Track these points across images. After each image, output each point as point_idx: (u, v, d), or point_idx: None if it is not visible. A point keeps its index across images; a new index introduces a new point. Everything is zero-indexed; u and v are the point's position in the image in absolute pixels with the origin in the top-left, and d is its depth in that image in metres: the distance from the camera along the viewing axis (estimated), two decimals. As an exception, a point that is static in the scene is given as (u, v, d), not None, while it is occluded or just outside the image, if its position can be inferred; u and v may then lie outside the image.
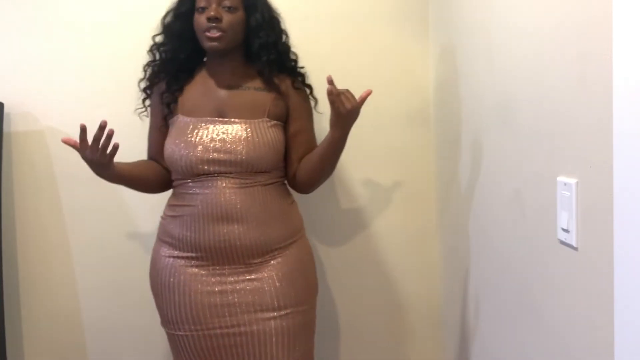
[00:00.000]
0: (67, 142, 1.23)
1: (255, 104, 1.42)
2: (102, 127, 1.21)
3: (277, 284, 1.37)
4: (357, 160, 1.81)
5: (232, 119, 1.39)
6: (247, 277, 1.36)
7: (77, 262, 1.77)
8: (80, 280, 1.77)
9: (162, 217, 1.46)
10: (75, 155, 1.70)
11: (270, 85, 1.44)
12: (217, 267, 1.36)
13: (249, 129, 1.38)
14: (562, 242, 0.99)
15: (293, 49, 1.75)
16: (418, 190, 1.85)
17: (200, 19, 1.37)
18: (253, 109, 1.41)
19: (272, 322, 1.34)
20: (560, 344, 1.02)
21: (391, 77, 1.80)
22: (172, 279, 1.37)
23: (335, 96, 1.27)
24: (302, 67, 1.52)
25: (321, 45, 1.77)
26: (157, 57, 1.47)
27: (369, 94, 1.31)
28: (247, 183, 1.37)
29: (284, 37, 1.49)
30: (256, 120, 1.40)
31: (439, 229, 1.84)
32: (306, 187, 1.50)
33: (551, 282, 1.04)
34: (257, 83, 1.45)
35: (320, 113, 1.57)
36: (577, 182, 0.92)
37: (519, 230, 1.18)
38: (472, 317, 1.56)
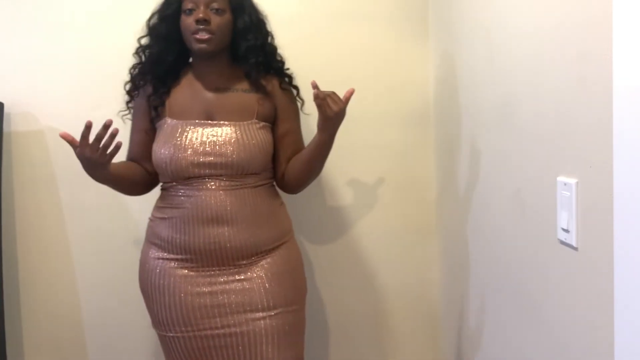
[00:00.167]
0: (65, 137, 1.21)
1: (243, 106, 1.42)
2: (107, 125, 1.20)
3: (267, 284, 1.37)
4: (356, 160, 1.81)
5: (222, 122, 1.39)
6: (237, 278, 1.36)
7: (77, 261, 1.77)
8: (80, 280, 1.77)
9: (150, 219, 1.45)
10: (75, 156, 1.71)
11: (257, 87, 1.45)
12: (207, 269, 1.36)
13: (238, 131, 1.38)
14: (562, 242, 0.99)
15: (293, 49, 1.75)
16: (418, 190, 1.85)
17: (188, 21, 1.37)
18: (241, 111, 1.42)
19: (262, 322, 1.34)
20: (560, 343, 1.02)
21: (391, 77, 1.80)
22: (162, 281, 1.37)
23: (322, 100, 1.29)
24: (288, 69, 1.53)
25: (321, 45, 1.77)
26: (143, 59, 1.46)
27: (352, 92, 1.33)
28: (237, 185, 1.37)
29: (269, 38, 1.49)
30: (245, 123, 1.40)
31: (438, 229, 1.84)
32: (294, 187, 1.51)
33: (551, 282, 1.04)
34: (245, 85, 1.45)
35: (308, 114, 1.58)
36: (577, 182, 0.92)
37: (519, 230, 1.18)
38: (471, 317, 1.56)
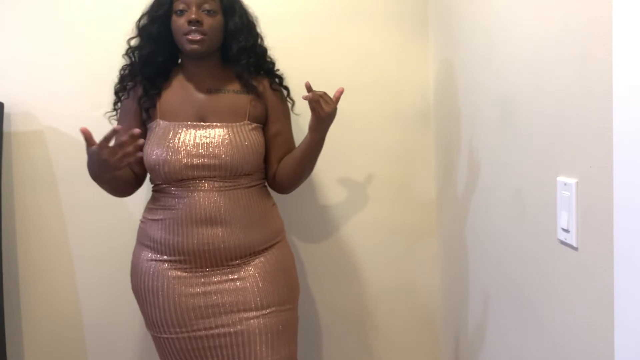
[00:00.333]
0: (85, 132, 1.20)
1: (235, 107, 1.43)
2: (135, 135, 1.20)
3: (260, 283, 1.37)
4: (356, 160, 1.82)
5: (214, 123, 1.39)
6: (230, 277, 1.36)
7: (77, 261, 1.77)
8: (80, 279, 1.77)
9: (141, 221, 1.45)
10: (75, 155, 1.72)
11: (249, 88, 1.46)
12: (200, 270, 1.36)
13: (231, 133, 1.38)
14: (562, 242, 0.99)
15: (293, 50, 1.76)
16: (418, 190, 1.85)
17: (180, 22, 1.37)
18: (233, 112, 1.42)
19: (256, 322, 1.34)
20: (560, 344, 1.02)
21: (391, 78, 1.80)
22: (155, 283, 1.36)
23: (316, 102, 1.31)
24: (278, 70, 1.54)
25: (321, 46, 1.77)
26: (134, 60, 1.46)
27: (341, 92, 1.36)
28: (230, 186, 1.38)
29: (259, 40, 1.50)
30: (237, 124, 1.41)
31: (438, 229, 1.84)
32: (286, 187, 1.52)
33: (551, 282, 1.04)
34: (236, 86, 1.46)
35: (298, 114, 1.58)
36: (577, 182, 0.92)
37: (519, 230, 1.18)
38: (471, 317, 1.56)
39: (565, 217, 0.96)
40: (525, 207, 1.15)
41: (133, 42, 1.45)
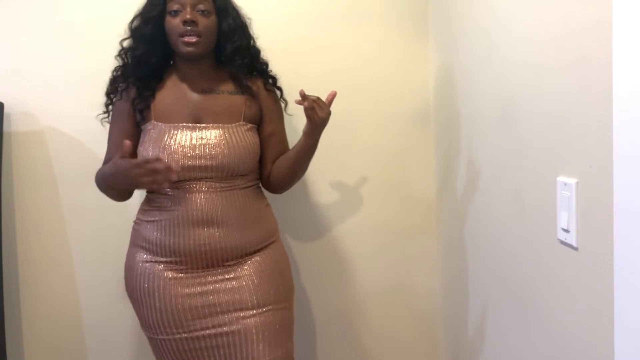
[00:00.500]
0: (127, 146, 1.23)
1: (230, 108, 1.43)
2: (171, 169, 1.21)
3: (256, 282, 1.37)
4: (357, 160, 1.82)
5: (210, 124, 1.39)
6: (227, 277, 1.36)
7: (77, 261, 1.77)
8: (80, 279, 1.77)
9: (135, 223, 1.44)
10: (75, 155, 1.72)
11: (243, 89, 1.46)
12: (196, 270, 1.36)
13: (227, 134, 1.38)
14: (562, 242, 0.99)
15: (293, 50, 1.76)
16: (418, 190, 1.85)
17: (174, 22, 1.37)
18: (229, 113, 1.42)
19: (253, 320, 1.34)
20: (560, 343, 1.02)
21: (391, 78, 1.80)
22: (151, 284, 1.36)
23: (310, 110, 1.32)
24: (271, 70, 1.54)
25: (321, 46, 1.77)
26: (127, 61, 1.45)
27: (334, 95, 1.37)
28: (226, 187, 1.38)
29: (252, 40, 1.50)
30: (233, 125, 1.41)
31: (438, 230, 1.84)
32: (280, 187, 1.53)
33: (551, 282, 1.04)
34: (230, 86, 1.46)
35: (291, 115, 1.59)
36: (577, 182, 0.93)
37: (519, 230, 1.18)
38: (470, 317, 1.56)
39: (565, 217, 0.96)
40: (525, 207, 1.15)
41: (125, 44, 1.45)
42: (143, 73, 1.43)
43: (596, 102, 0.85)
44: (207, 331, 1.34)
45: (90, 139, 1.70)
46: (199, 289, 1.35)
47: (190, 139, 1.37)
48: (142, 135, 1.42)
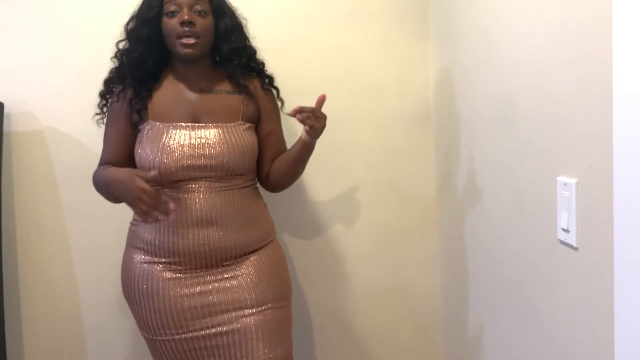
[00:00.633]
0: (154, 175, 1.24)
1: (228, 107, 1.43)
2: (171, 207, 1.24)
3: (255, 280, 1.37)
4: (357, 160, 1.82)
5: (209, 124, 1.39)
6: (225, 276, 1.36)
7: (77, 261, 1.77)
8: (80, 279, 1.77)
9: (132, 224, 1.44)
10: (75, 155, 1.72)
11: (240, 88, 1.46)
12: (195, 270, 1.35)
13: (226, 133, 1.38)
14: (562, 242, 0.99)
15: (293, 50, 1.75)
16: (418, 190, 1.85)
17: (172, 23, 1.37)
18: (227, 112, 1.42)
19: (252, 319, 1.34)
20: (560, 343, 1.02)
21: (391, 77, 1.80)
22: (149, 285, 1.35)
23: (310, 126, 1.31)
24: (267, 70, 1.54)
25: (321, 45, 1.77)
26: (123, 63, 1.44)
27: (324, 98, 1.35)
28: (225, 187, 1.38)
29: (248, 40, 1.50)
30: (232, 124, 1.41)
31: (438, 230, 1.84)
32: (279, 187, 1.54)
33: (551, 282, 1.04)
34: (227, 86, 1.46)
35: (287, 114, 1.59)
36: (577, 182, 0.93)
37: (519, 230, 1.18)
38: (470, 317, 1.56)
39: (565, 217, 0.96)
40: (525, 207, 1.15)
41: (121, 45, 1.44)
42: (140, 74, 1.42)
43: (596, 102, 0.85)
44: (207, 331, 1.34)
45: (90, 139, 1.70)
46: (198, 289, 1.35)
47: (189, 138, 1.36)
48: (139, 135, 1.41)
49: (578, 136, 0.92)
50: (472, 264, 1.52)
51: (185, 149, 1.35)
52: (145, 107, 1.41)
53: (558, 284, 1.02)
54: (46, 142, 1.73)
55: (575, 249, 0.94)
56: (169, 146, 1.35)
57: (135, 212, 1.25)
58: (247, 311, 1.34)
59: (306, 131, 1.34)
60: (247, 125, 1.45)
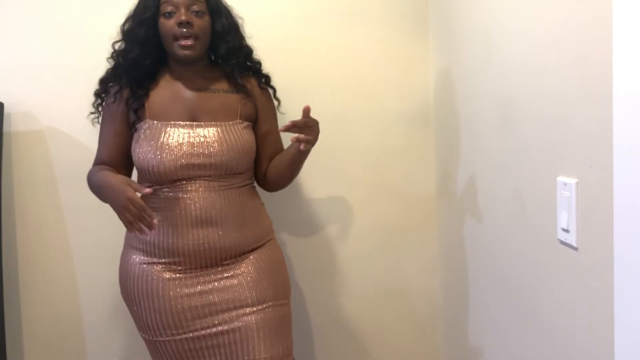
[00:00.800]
0: (149, 192, 1.24)
1: (226, 106, 1.43)
2: (155, 224, 1.23)
3: (254, 279, 1.37)
4: (357, 160, 1.82)
5: (207, 123, 1.39)
6: (225, 275, 1.36)
7: (77, 261, 1.77)
8: (80, 279, 1.77)
9: None
10: (75, 155, 1.72)
11: (238, 87, 1.46)
12: (194, 270, 1.35)
13: (225, 132, 1.38)
14: (562, 242, 0.99)
15: (293, 50, 1.75)
16: (418, 190, 1.85)
17: (169, 24, 1.36)
18: (225, 111, 1.42)
19: (252, 317, 1.34)
20: (560, 343, 1.02)
21: (391, 77, 1.80)
22: (149, 285, 1.35)
23: (303, 140, 1.29)
24: (263, 69, 1.54)
25: (322, 46, 1.77)
26: (120, 63, 1.44)
27: (309, 109, 1.29)
28: (224, 186, 1.38)
29: (244, 39, 1.51)
30: (230, 123, 1.41)
31: (438, 229, 1.84)
32: (277, 187, 1.54)
33: (551, 282, 1.04)
34: (224, 85, 1.46)
35: (283, 113, 1.59)
36: (577, 182, 0.93)
37: (519, 230, 1.18)
38: (470, 317, 1.56)
39: (565, 217, 0.96)
40: (525, 207, 1.15)
41: (117, 46, 1.44)
42: (137, 74, 1.42)
43: (596, 102, 0.85)
44: (208, 330, 1.34)
45: (90, 139, 1.70)
46: (198, 288, 1.35)
47: (188, 137, 1.36)
48: (136, 134, 1.41)
49: (578, 136, 0.92)
50: (472, 264, 1.52)
51: (184, 147, 1.35)
52: (143, 107, 1.41)
53: (558, 284, 1.02)
54: (46, 142, 1.73)
55: (575, 249, 0.94)
56: (167, 145, 1.35)
57: (120, 219, 1.25)
58: (247, 310, 1.34)
59: (303, 147, 1.30)
60: (245, 124, 1.45)
